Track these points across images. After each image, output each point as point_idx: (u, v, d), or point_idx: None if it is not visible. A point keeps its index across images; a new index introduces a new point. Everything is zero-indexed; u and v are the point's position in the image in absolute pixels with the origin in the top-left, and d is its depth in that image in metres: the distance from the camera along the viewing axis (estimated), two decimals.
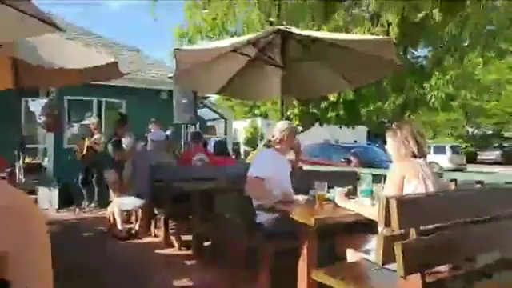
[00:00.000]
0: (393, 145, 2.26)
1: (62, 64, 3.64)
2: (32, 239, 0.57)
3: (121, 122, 6.17)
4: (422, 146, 2.20)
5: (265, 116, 25.43)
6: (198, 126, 8.19)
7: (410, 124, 2.28)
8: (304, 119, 12.46)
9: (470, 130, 28.46)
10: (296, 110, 12.26)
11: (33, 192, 6.48)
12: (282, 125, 3.15)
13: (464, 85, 12.56)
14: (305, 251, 2.36)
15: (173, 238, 4.34)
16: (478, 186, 3.68)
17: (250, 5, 8.31)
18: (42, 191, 6.62)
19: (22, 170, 5.07)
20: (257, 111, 28.28)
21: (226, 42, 4.45)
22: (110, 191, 5.89)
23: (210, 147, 6.67)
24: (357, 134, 18.15)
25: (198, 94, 7.01)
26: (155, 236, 4.71)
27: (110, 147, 5.83)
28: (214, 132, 12.96)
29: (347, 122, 13.96)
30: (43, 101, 6.61)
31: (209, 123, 12.66)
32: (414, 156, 2.17)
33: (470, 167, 19.86)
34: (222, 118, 11.56)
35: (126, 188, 4.83)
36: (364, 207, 2.33)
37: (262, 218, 2.91)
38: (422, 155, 2.19)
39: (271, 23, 7.84)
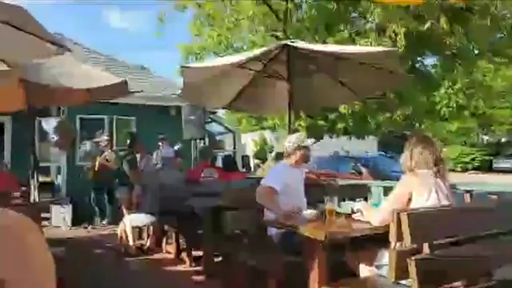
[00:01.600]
0: (405, 156, 2.24)
1: (70, 84, 3.71)
2: (29, 258, 0.55)
3: (132, 141, 6.23)
4: (436, 157, 2.17)
5: (273, 129, 25.34)
6: (207, 141, 8.21)
7: (422, 135, 2.26)
8: (312, 131, 12.40)
9: (485, 137, 27.93)
10: (303, 123, 12.20)
11: (47, 210, 6.53)
12: (293, 138, 3.14)
13: (474, 93, 12.40)
14: (315, 266, 2.31)
15: (184, 255, 4.32)
16: (494, 197, 3.59)
17: (254, 21, 8.41)
18: (55, 209, 6.67)
19: (36, 189, 5.12)
20: (265, 124, 28.18)
21: (233, 58, 4.49)
22: (123, 208, 5.91)
23: (219, 162, 6.68)
24: (367, 145, 17.93)
25: (206, 108, 7.06)
26: (167, 252, 4.70)
27: (126, 165, 5.80)
28: (223, 146, 12.97)
29: (356, 133, 13.84)
30: (56, 120, 6.74)
31: (218, 138, 12.70)
32: (428, 168, 2.14)
33: (486, 177, 19.27)
34: (231, 131, 11.59)
35: (137, 203, 4.85)
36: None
37: (272, 231, 2.89)
38: (436, 166, 2.16)
39: (277, 38, 7.92)
